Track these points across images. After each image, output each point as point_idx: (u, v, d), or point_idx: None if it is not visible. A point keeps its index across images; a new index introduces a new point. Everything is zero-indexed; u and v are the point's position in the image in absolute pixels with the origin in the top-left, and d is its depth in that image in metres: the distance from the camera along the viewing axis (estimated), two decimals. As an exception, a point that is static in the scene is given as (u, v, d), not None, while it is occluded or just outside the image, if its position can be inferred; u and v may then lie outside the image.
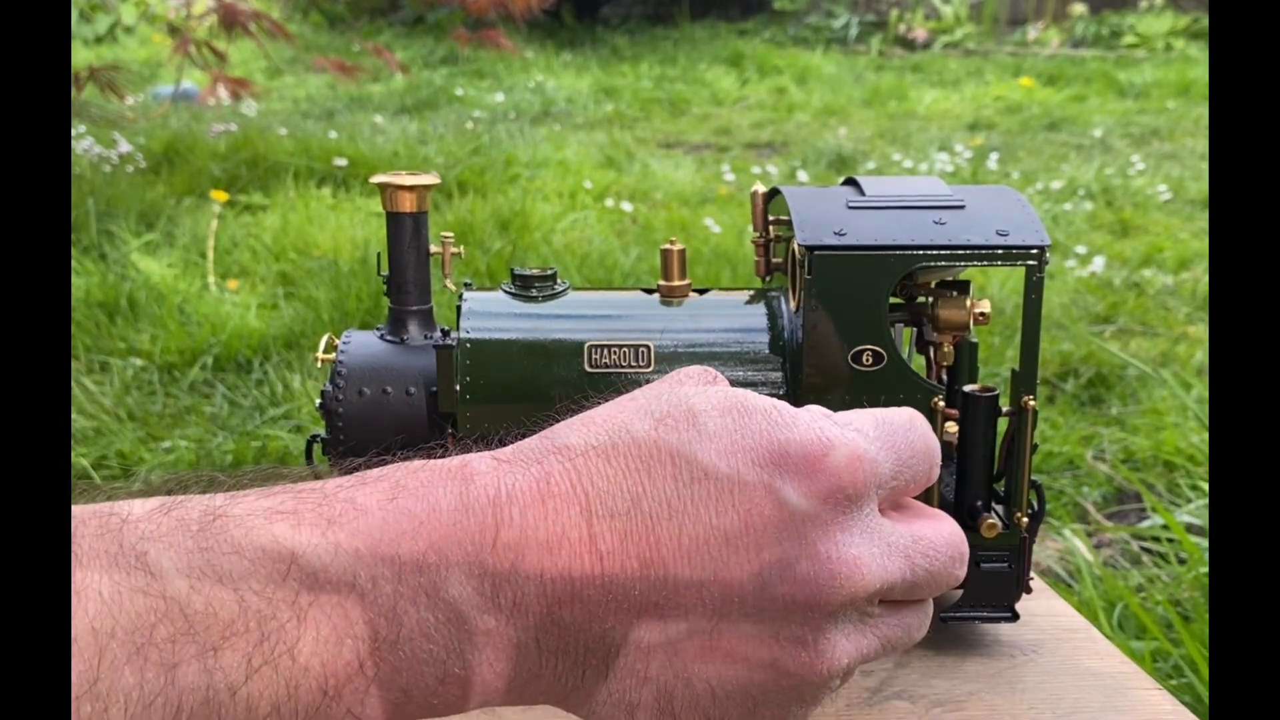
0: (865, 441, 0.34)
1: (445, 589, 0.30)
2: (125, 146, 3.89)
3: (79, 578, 0.27)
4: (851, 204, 0.52)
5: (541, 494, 0.32)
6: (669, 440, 0.33)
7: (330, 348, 0.59)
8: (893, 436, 0.35)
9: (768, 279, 0.60)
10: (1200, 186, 3.60)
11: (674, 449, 0.33)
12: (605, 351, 0.54)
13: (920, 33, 6.84)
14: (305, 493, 0.31)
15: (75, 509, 0.28)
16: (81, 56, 5.86)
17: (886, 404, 0.52)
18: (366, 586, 0.30)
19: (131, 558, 0.28)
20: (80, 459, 1.78)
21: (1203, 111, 4.85)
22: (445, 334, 0.60)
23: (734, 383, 0.55)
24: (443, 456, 0.34)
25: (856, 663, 0.34)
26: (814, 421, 0.33)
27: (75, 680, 0.26)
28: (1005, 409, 0.53)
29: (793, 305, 0.55)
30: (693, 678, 0.32)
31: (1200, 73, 5.44)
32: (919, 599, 0.36)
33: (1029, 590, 0.56)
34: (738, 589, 0.32)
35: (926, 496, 0.53)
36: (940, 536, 0.35)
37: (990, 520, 0.53)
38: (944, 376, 0.54)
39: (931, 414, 0.52)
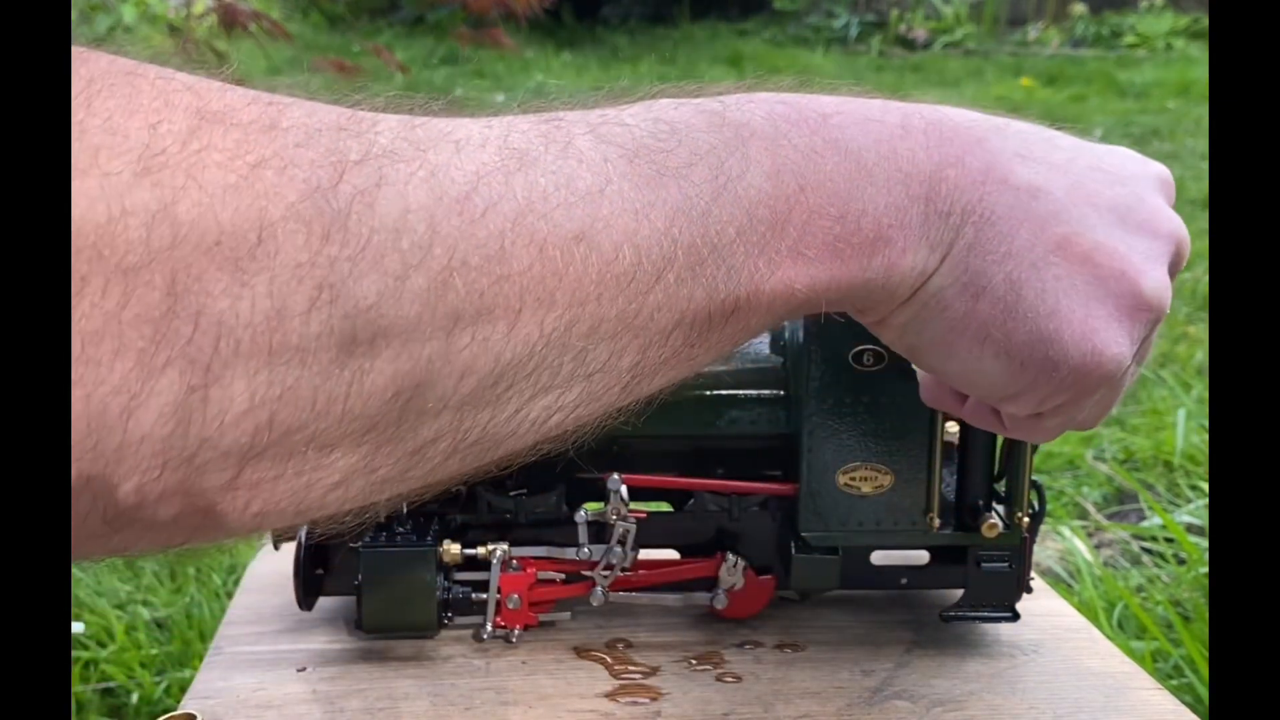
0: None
1: (850, 139, 0.33)
2: (125, 146, 3.88)
3: (578, 143, 0.29)
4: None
5: (915, 103, 0.35)
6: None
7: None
8: None
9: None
10: (1200, 186, 3.59)
11: (1019, 122, 0.37)
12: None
13: (920, 33, 6.84)
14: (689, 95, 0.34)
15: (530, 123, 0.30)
16: (81, 56, 5.85)
17: (887, 404, 0.52)
18: (786, 134, 0.32)
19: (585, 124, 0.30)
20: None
21: (1203, 111, 4.84)
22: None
23: (734, 383, 0.56)
24: None
25: (1165, 310, 0.36)
26: None
27: (586, 185, 0.28)
28: (1005, 409, 0.53)
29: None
30: (1046, 268, 0.34)
31: (1200, 73, 5.44)
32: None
33: (1029, 590, 0.56)
34: (1100, 201, 0.35)
35: (927, 497, 0.53)
36: None
37: (991, 520, 0.53)
38: (944, 376, 0.54)
39: (932, 414, 0.52)
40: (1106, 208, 0.35)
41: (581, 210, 0.28)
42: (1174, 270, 0.37)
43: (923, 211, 0.33)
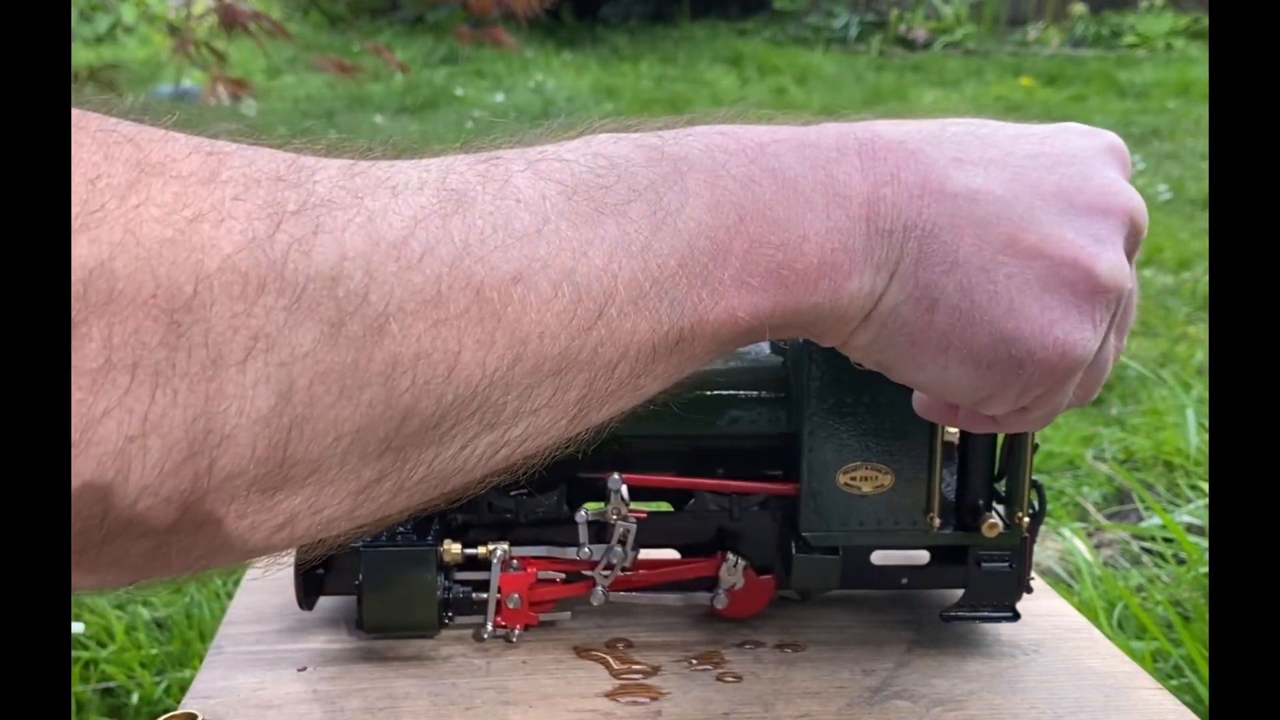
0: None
1: (787, 167, 0.33)
2: (125, 146, 3.88)
3: (516, 181, 0.30)
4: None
5: (849, 123, 0.35)
6: (959, 120, 0.38)
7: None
8: None
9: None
10: (1200, 186, 3.59)
11: (960, 120, 0.37)
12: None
13: (920, 33, 6.84)
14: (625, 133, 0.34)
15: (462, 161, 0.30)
16: (81, 56, 5.85)
17: (887, 404, 0.52)
18: (725, 165, 0.32)
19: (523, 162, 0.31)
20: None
21: (1203, 111, 4.84)
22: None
23: (734, 383, 0.56)
24: None
25: (1127, 297, 0.36)
26: None
27: (524, 225, 0.29)
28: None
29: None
30: (995, 269, 0.34)
31: (1200, 73, 5.44)
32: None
33: (1030, 590, 0.56)
34: (1043, 189, 0.35)
35: (927, 497, 0.53)
36: None
37: (991, 520, 0.53)
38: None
39: (932, 414, 0.52)
40: (1051, 194, 0.35)
41: (519, 251, 0.28)
42: (1133, 243, 0.37)
43: (865, 233, 0.33)
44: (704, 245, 0.31)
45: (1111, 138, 0.38)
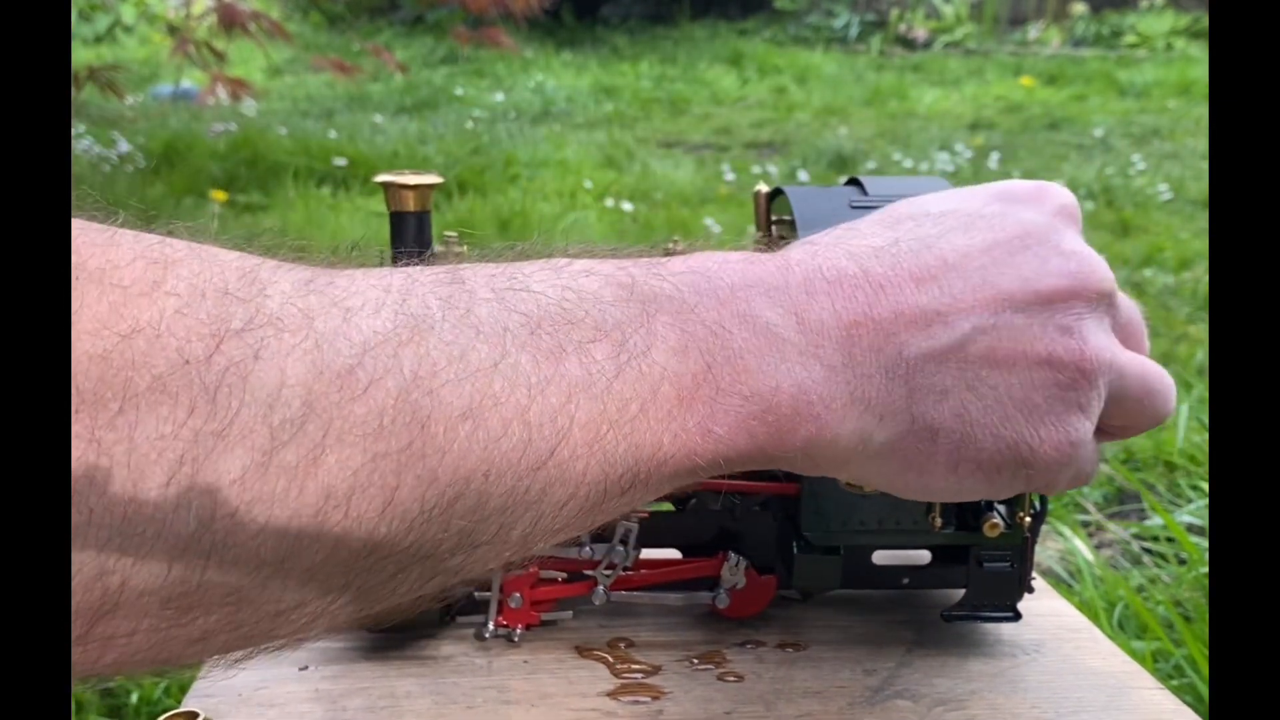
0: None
1: (758, 313, 0.32)
2: (125, 146, 3.89)
3: (478, 310, 0.29)
4: (854, 203, 0.52)
5: (810, 251, 0.35)
6: (902, 209, 0.38)
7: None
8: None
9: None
10: (1200, 186, 3.59)
11: (909, 210, 0.37)
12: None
13: (920, 32, 6.84)
14: (607, 260, 0.34)
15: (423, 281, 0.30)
16: (81, 56, 5.85)
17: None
18: (696, 306, 0.32)
19: (490, 290, 0.30)
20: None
21: (1203, 111, 4.84)
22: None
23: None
24: None
25: (1111, 364, 0.36)
26: None
27: (480, 359, 0.28)
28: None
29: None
30: (981, 385, 0.34)
31: (1200, 72, 5.44)
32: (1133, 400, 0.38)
33: (1031, 590, 0.56)
34: (1006, 288, 0.35)
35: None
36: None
37: (993, 520, 0.53)
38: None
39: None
40: (1016, 291, 0.35)
41: (471, 385, 0.27)
42: (1108, 303, 0.37)
43: (845, 380, 0.33)
44: (668, 391, 0.30)
45: (1057, 197, 0.38)
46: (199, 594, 0.25)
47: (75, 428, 0.23)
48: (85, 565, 0.23)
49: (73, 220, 0.25)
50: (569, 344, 0.29)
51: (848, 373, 0.33)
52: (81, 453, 0.23)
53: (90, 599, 0.24)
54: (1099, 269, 0.36)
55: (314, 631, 0.29)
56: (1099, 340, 0.36)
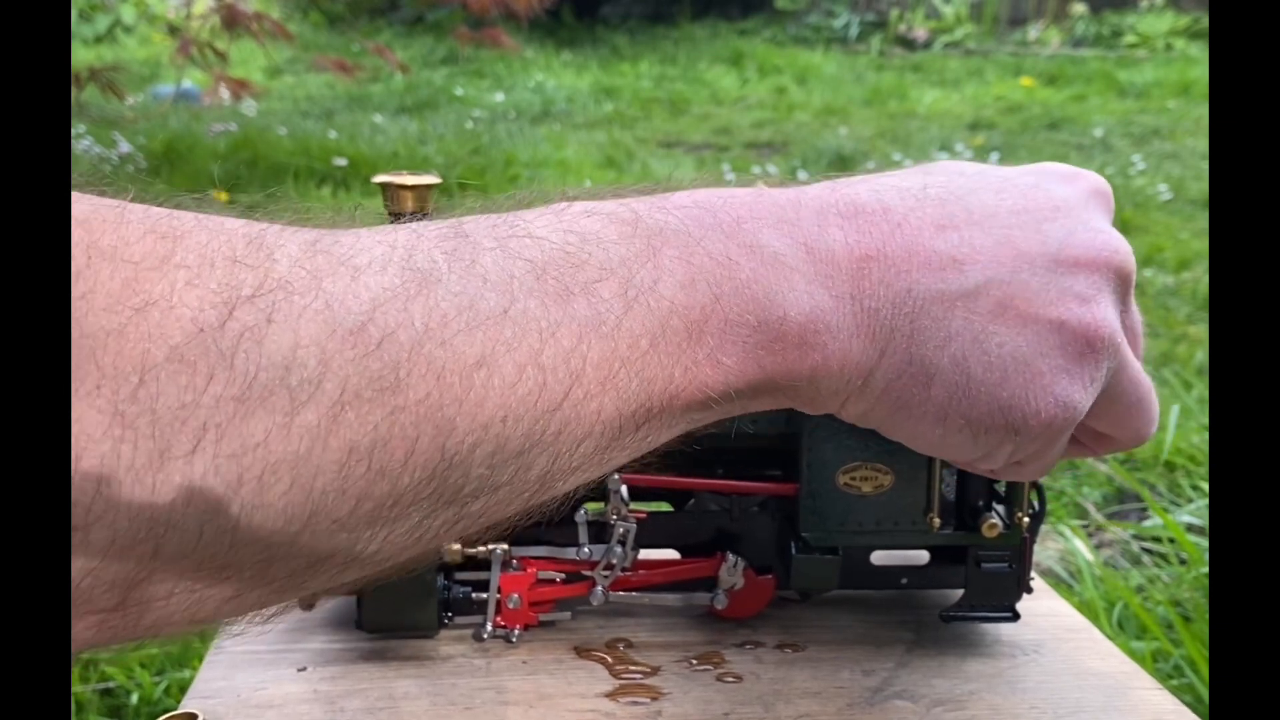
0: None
1: (765, 243, 0.32)
2: (125, 147, 3.89)
3: (483, 260, 0.29)
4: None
5: (830, 186, 0.35)
6: (938, 165, 0.38)
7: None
8: None
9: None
10: (1201, 186, 3.59)
11: (944, 166, 0.37)
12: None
13: (920, 32, 6.84)
14: (608, 197, 0.34)
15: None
16: (81, 56, 5.85)
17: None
18: (701, 239, 0.32)
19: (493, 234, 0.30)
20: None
21: (1203, 111, 4.84)
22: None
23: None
24: None
25: (1119, 347, 0.36)
26: None
27: (489, 307, 0.28)
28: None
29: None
30: (987, 339, 0.34)
31: (1200, 73, 5.44)
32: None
33: (1030, 590, 0.56)
34: (1026, 249, 0.35)
35: (927, 497, 0.53)
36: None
37: (991, 520, 0.53)
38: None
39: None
40: (1037, 255, 0.35)
41: (483, 334, 0.28)
42: (1123, 290, 0.37)
43: (851, 311, 0.33)
44: (677, 325, 0.31)
45: (1094, 181, 0.38)
46: (230, 554, 0.26)
47: (98, 403, 0.23)
48: (118, 538, 0.24)
49: (85, 197, 0.25)
50: (575, 285, 0.29)
51: (855, 304, 0.33)
52: (106, 428, 0.23)
53: (125, 568, 0.24)
54: (1123, 250, 0.36)
55: (344, 580, 0.29)
56: (1112, 317, 0.36)
